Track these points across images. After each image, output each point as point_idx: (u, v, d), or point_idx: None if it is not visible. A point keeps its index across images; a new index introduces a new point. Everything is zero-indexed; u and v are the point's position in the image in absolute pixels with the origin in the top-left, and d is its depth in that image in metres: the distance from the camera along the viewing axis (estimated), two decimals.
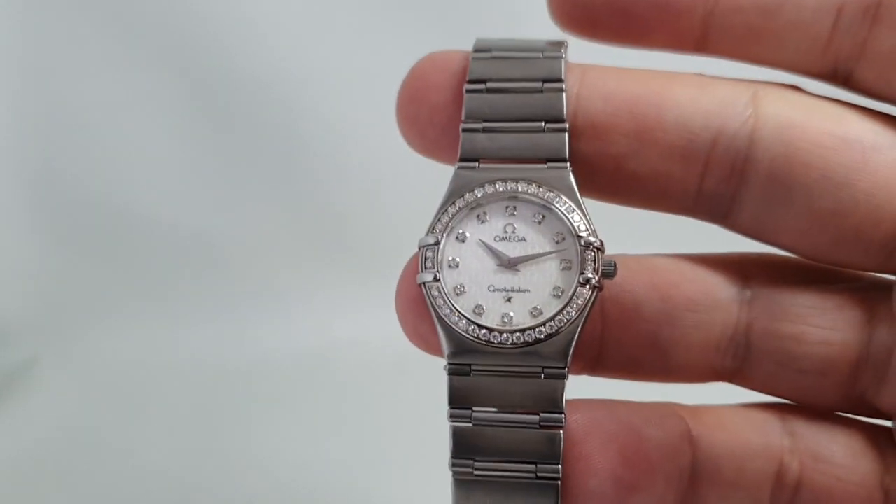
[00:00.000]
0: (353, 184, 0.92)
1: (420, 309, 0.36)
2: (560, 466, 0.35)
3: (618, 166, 0.35)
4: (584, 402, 0.36)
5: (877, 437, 0.37)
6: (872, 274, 0.38)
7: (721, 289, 0.37)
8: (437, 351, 0.36)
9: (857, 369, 0.36)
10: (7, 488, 0.73)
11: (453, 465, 0.35)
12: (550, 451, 0.35)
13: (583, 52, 0.37)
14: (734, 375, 0.38)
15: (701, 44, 0.35)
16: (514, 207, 0.36)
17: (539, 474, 0.34)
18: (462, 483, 0.35)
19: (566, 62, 0.36)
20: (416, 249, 0.36)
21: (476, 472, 0.34)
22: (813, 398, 0.38)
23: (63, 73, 0.89)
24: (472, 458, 0.35)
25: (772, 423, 0.37)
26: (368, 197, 0.93)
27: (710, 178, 0.35)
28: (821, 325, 0.36)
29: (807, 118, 0.35)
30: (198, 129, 0.90)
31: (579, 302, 0.34)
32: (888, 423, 0.37)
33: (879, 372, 0.36)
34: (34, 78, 0.89)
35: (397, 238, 0.38)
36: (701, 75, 0.36)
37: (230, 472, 0.74)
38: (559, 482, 0.35)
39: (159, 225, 0.90)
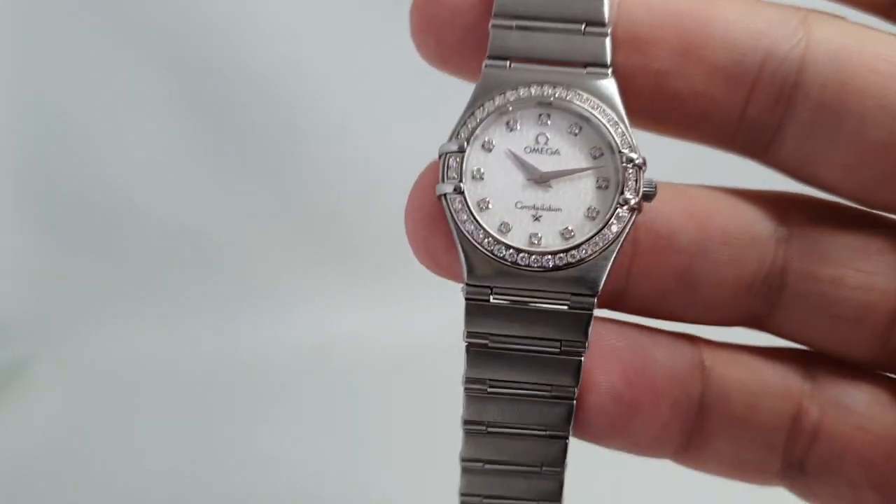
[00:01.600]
0: (352, 180, 0.91)
1: (434, 222, 0.33)
2: (577, 391, 0.33)
3: (658, 84, 0.33)
4: (594, 319, 0.34)
5: None
6: None
7: (758, 224, 0.35)
8: (447, 272, 0.34)
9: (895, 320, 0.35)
10: (3, 486, 0.72)
11: (467, 381, 0.34)
12: (569, 377, 0.33)
13: None
14: (764, 320, 0.36)
15: None
16: (549, 116, 0.33)
17: (554, 393, 0.33)
18: (474, 399, 0.34)
19: None
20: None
21: (489, 391, 0.33)
22: (846, 348, 0.36)
23: (58, 69, 0.88)
24: (485, 381, 0.33)
25: (794, 367, 0.36)
26: (367, 194, 0.91)
27: (755, 103, 0.33)
28: (862, 268, 0.34)
29: (861, 44, 0.33)
30: (195, 126, 0.89)
31: (616, 225, 0.32)
32: None
33: None
34: (29, 74, 0.88)
35: (396, 235, 0.36)
36: None
37: (228, 470, 0.74)
38: (573, 404, 0.33)
39: (157, 222, 0.89)
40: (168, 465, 0.74)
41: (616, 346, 0.34)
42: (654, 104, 0.34)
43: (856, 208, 0.36)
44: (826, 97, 0.33)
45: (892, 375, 0.36)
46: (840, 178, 0.34)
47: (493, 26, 0.33)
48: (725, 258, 0.34)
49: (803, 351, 0.37)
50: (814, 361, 0.36)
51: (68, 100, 0.88)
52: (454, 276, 0.34)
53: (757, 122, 0.34)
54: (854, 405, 0.35)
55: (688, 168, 0.41)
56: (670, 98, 0.33)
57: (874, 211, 0.36)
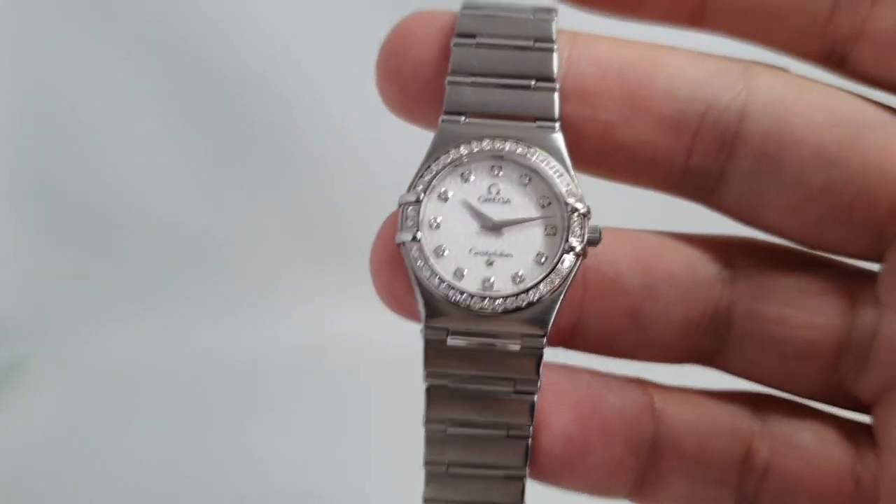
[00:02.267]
0: (351, 180, 0.90)
1: (395, 266, 0.35)
2: (532, 429, 0.35)
3: (605, 134, 0.35)
4: (544, 365, 0.35)
5: (850, 428, 0.37)
6: (857, 262, 0.37)
7: (704, 266, 0.36)
8: (408, 312, 0.35)
9: (839, 355, 0.36)
10: (1, 486, 0.72)
11: (427, 422, 0.35)
12: (524, 416, 0.34)
13: (571, 22, 0.36)
14: (713, 357, 0.37)
15: (697, 16, 0.35)
16: (500, 168, 0.35)
17: (511, 433, 0.34)
18: (435, 440, 0.35)
19: (557, 26, 0.35)
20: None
21: (448, 432, 0.35)
22: (793, 384, 0.37)
23: (56, 68, 0.87)
24: (445, 422, 0.35)
25: (743, 407, 0.37)
26: (367, 194, 0.90)
27: (698, 151, 0.35)
28: (804, 307, 0.36)
29: (799, 94, 0.34)
30: (193, 125, 0.88)
31: (563, 270, 0.34)
32: (864, 418, 0.37)
33: (860, 358, 0.35)
34: (24, 73, 0.88)
35: None
36: (692, 49, 0.36)
37: (226, 470, 0.73)
38: (530, 440, 0.35)
39: (154, 222, 0.88)
40: (166, 464, 0.73)
41: (568, 390, 0.35)
42: (602, 152, 0.35)
43: (799, 250, 0.37)
44: (766, 146, 0.34)
45: (836, 411, 0.37)
46: (783, 221, 0.35)
47: (450, 83, 0.35)
48: (672, 299, 0.36)
49: (752, 393, 0.38)
50: (763, 402, 0.37)
51: (66, 99, 0.88)
52: (415, 317, 0.35)
53: (701, 169, 0.35)
54: (802, 442, 0.36)
55: (637, 212, 0.44)
56: (617, 147, 0.35)
57: (816, 252, 0.37)
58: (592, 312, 0.36)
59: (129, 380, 0.82)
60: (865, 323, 0.35)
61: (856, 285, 0.36)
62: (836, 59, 0.35)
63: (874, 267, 0.36)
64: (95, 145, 0.88)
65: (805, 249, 0.37)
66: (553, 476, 0.36)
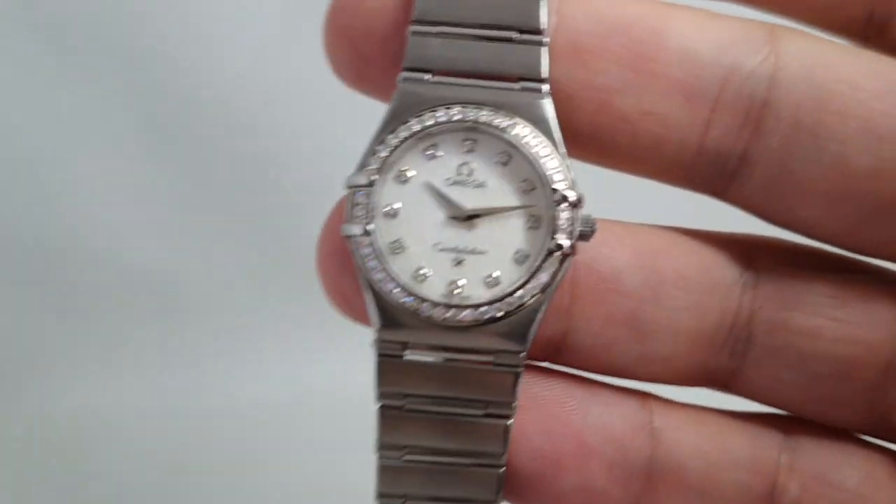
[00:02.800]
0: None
1: (346, 261, 0.29)
2: (505, 459, 0.29)
3: (603, 104, 0.29)
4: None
5: None
6: None
7: (721, 267, 0.31)
8: (362, 317, 0.30)
9: (886, 378, 0.30)
10: None
11: (380, 453, 0.30)
12: (495, 446, 0.29)
13: None
14: (730, 379, 0.32)
15: None
16: (474, 142, 0.29)
17: (479, 462, 0.30)
18: (388, 469, 0.30)
19: None
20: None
21: (405, 459, 0.30)
22: (829, 411, 0.31)
23: (2, 95, 0.80)
24: (402, 449, 0.30)
25: (769, 433, 0.32)
26: None
27: (717, 125, 0.29)
28: (843, 318, 0.30)
29: (840, 58, 0.29)
30: (152, 156, 0.81)
31: (547, 273, 0.28)
32: None
33: None
34: None
35: None
36: (709, 9, 0.30)
37: None
38: (501, 472, 0.30)
39: (112, 263, 0.80)
40: None
41: (538, 396, 0.30)
42: (599, 128, 0.29)
43: (830, 252, 0.32)
44: (801, 118, 0.28)
45: (887, 444, 0.32)
46: (818, 215, 0.30)
47: (413, 32, 0.29)
48: (682, 305, 0.30)
49: (780, 415, 0.32)
50: (793, 426, 0.32)
51: (14, 129, 0.80)
52: (368, 322, 0.30)
53: (720, 149, 0.29)
54: (843, 482, 0.31)
55: (640, 206, 0.38)
56: (617, 120, 0.29)
57: (854, 256, 0.32)
58: (584, 320, 0.30)
59: (87, 435, 0.77)
60: None
61: None
62: (874, 28, 0.30)
63: None
64: (45, 180, 0.81)
65: (841, 252, 0.32)
66: (519, 498, 0.31)
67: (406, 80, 0.29)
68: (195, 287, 0.82)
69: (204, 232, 0.82)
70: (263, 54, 0.80)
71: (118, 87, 0.80)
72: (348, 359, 0.76)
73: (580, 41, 0.29)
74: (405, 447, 0.30)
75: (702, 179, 0.30)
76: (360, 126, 0.31)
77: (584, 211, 0.29)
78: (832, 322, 0.30)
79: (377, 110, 0.30)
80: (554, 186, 0.28)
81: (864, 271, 0.32)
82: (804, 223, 0.31)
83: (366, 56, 0.29)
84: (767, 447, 0.31)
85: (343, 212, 0.29)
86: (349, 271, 0.29)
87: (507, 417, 0.29)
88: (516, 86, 0.29)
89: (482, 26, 0.29)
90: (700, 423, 0.31)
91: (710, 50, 0.29)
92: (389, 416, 0.29)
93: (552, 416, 0.30)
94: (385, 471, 0.30)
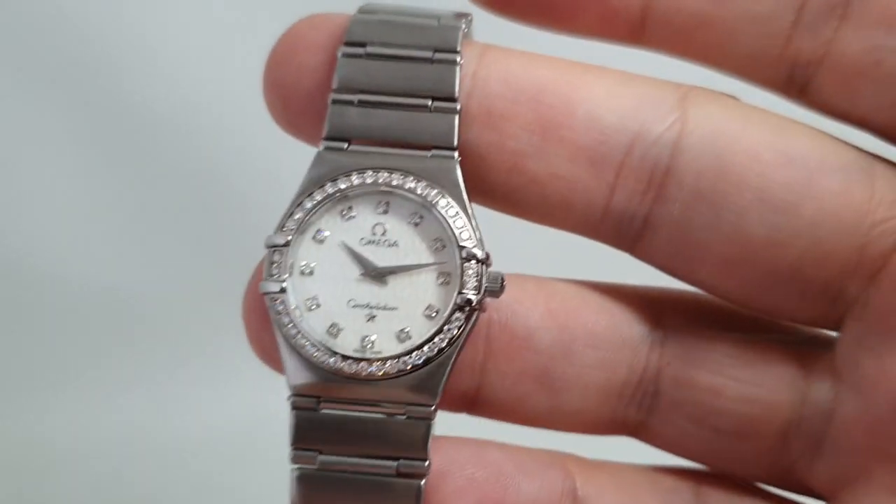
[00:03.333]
0: None
1: (265, 316, 0.30)
2: None
3: (514, 166, 0.30)
4: (450, 440, 0.31)
5: None
6: (809, 329, 0.33)
7: (630, 325, 0.32)
8: (283, 369, 0.30)
9: (787, 436, 0.31)
10: None
11: None
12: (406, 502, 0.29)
13: (492, 36, 0.32)
14: (638, 429, 0.33)
15: (637, 31, 0.30)
16: (387, 204, 0.30)
17: None
18: None
19: (466, 35, 0.31)
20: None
21: None
22: (730, 464, 0.33)
23: None
24: None
25: (681, 491, 0.32)
26: None
27: (622, 190, 0.30)
28: (743, 378, 0.31)
29: (744, 127, 0.30)
30: (104, 168, 0.77)
31: (455, 326, 0.29)
32: None
33: (814, 441, 0.31)
34: None
35: None
36: (623, 71, 0.31)
37: None
38: None
39: (64, 283, 0.77)
40: None
41: (474, 478, 0.30)
42: (511, 187, 0.30)
43: (737, 310, 0.32)
44: (701, 187, 0.29)
45: (790, 497, 0.33)
46: (719, 278, 0.31)
47: (333, 101, 0.30)
48: (591, 361, 0.31)
49: (691, 471, 0.33)
50: (705, 480, 0.33)
51: None
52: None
53: (626, 211, 0.30)
54: None
55: (555, 252, 0.41)
56: (527, 181, 0.30)
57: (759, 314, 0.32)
58: (497, 375, 0.31)
59: (37, 462, 0.74)
60: (820, 399, 0.31)
61: (808, 354, 0.31)
62: (795, 86, 0.30)
63: (830, 333, 0.31)
64: None
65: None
66: None
67: (326, 148, 0.30)
68: (148, 307, 0.79)
69: (158, 250, 0.79)
70: (220, 66, 0.77)
71: (64, 98, 0.77)
72: None
73: (492, 105, 0.30)
74: None
75: (609, 237, 0.32)
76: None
77: (495, 268, 0.30)
78: (733, 381, 0.31)
79: None
80: (462, 244, 0.29)
81: (768, 330, 0.32)
82: (704, 284, 0.32)
83: (295, 110, 0.31)
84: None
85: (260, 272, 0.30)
86: (268, 327, 0.30)
87: (420, 477, 0.29)
88: (428, 153, 0.30)
89: (400, 94, 0.30)
90: (618, 486, 0.32)
91: (617, 116, 0.30)
92: (304, 480, 0.30)
93: (487, 498, 0.30)
94: None
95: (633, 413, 0.32)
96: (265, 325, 0.30)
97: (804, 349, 0.32)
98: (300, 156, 0.32)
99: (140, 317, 0.78)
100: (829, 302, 0.30)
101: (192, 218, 0.79)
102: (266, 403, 0.75)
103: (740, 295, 0.31)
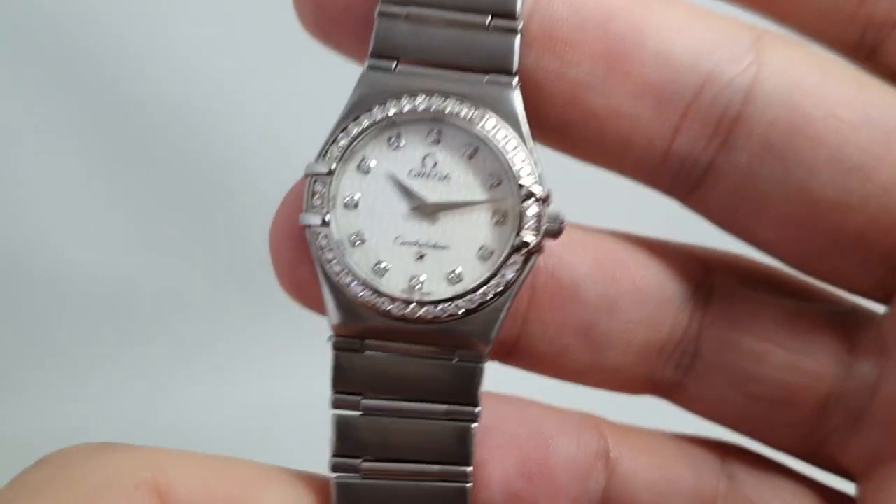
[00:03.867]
0: None
1: (302, 248, 0.29)
2: (470, 469, 0.29)
3: (574, 96, 0.29)
4: (492, 395, 0.30)
5: (831, 500, 0.32)
6: (853, 301, 0.32)
7: (677, 283, 0.32)
8: (318, 306, 0.29)
9: (826, 408, 0.31)
10: None
11: (334, 465, 0.29)
12: (459, 449, 0.29)
13: None
14: (672, 390, 0.33)
15: None
16: (439, 133, 0.29)
17: (443, 478, 0.29)
18: (345, 487, 0.29)
19: None
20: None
21: (364, 474, 0.29)
22: (763, 433, 0.33)
23: None
24: (358, 458, 0.29)
25: (708, 461, 0.33)
26: None
27: (686, 133, 0.29)
28: (789, 346, 0.31)
29: (821, 80, 0.29)
30: (103, 162, 0.80)
31: (511, 270, 0.29)
32: (846, 486, 0.32)
33: (852, 417, 0.31)
34: None
35: None
36: (695, 4, 0.30)
37: None
38: (468, 486, 0.29)
39: (64, 277, 0.80)
40: None
41: (517, 435, 0.30)
42: (567, 120, 0.29)
43: (786, 274, 0.32)
44: (772, 138, 0.29)
45: (816, 480, 0.33)
46: (776, 237, 0.31)
47: (380, 13, 0.28)
48: (636, 318, 0.31)
49: (719, 442, 0.33)
50: (730, 454, 0.33)
51: None
52: (324, 312, 0.29)
53: (686, 157, 0.30)
54: None
55: (604, 198, 0.41)
56: (586, 115, 0.29)
57: (810, 280, 0.32)
58: (539, 325, 0.31)
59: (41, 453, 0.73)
60: (864, 374, 0.31)
61: (856, 326, 0.31)
62: (865, 48, 0.30)
63: (878, 308, 0.31)
64: None
65: (797, 275, 0.32)
66: None
67: (372, 67, 0.28)
68: (152, 300, 0.79)
69: (159, 241, 0.78)
70: (225, 61, 0.77)
71: (66, 94, 0.76)
72: (313, 371, 0.73)
73: (556, 29, 0.29)
74: (362, 460, 0.29)
75: (665, 182, 0.31)
76: (319, 130, 0.30)
77: (553, 208, 0.28)
78: (780, 349, 0.31)
79: (335, 113, 0.29)
80: (521, 182, 0.28)
81: (818, 298, 0.32)
82: (762, 242, 0.31)
83: (331, 15, 0.29)
84: (708, 476, 0.32)
85: (300, 199, 0.29)
86: (305, 259, 0.29)
87: (471, 420, 0.29)
88: (484, 78, 0.29)
89: (455, 8, 0.28)
90: (649, 451, 0.32)
91: (690, 54, 0.29)
92: (344, 424, 0.29)
93: (530, 457, 0.30)
94: (341, 490, 0.29)
95: (670, 373, 0.32)
96: (301, 258, 0.29)
97: (851, 320, 0.32)
98: (305, 150, 0.31)
99: (142, 311, 0.78)
100: (887, 271, 0.30)
101: (192, 210, 0.79)
102: (269, 391, 0.76)
103: (797, 256, 0.31)
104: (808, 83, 0.29)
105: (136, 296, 0.79)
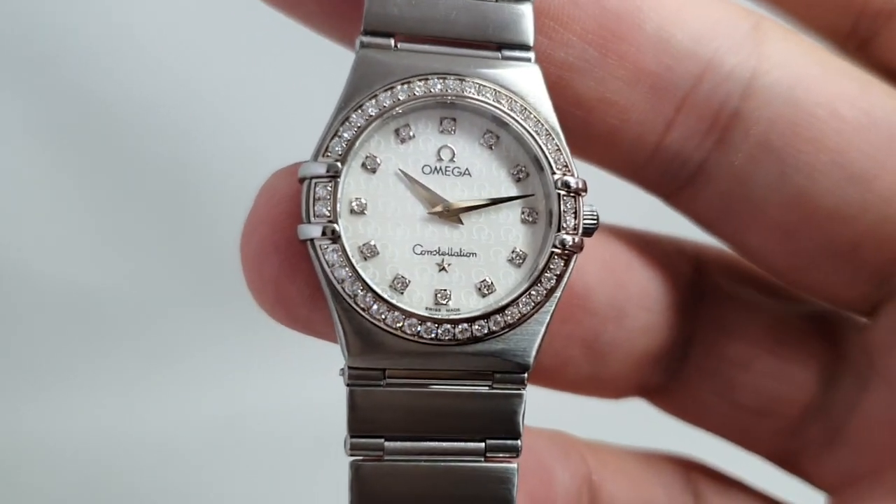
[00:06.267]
0: None
1: (288, 260, 0.23)
2: None
3: (558, 82, 0.25)
4: None
5: None
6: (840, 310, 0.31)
7: (678, 286, 0.29)
8: (310, 329, 0.24)
9: (806, 419, 0.30)
10: None
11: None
12: (500, 496, 0.24)
13: None
14: (655, 392, 0.31)
15: None
16: (454, 121, 0.24)
17: None
18: None
19: None
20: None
21: None
22: (742, 438, 0.31)
23: None
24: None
25: (676, 479, 0.31)
26: None
27: (680, 127, 0.26)
28: (777, 350, 0.29)
29: (823, 76, 0.26)
30: (71, 163, 0.73)
31: (552, 276, 0.24)
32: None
33: (830, 433, 0.29)
34: None
35: None
36: None
37: None
38: None
39: (35, 284, 0.74)
40: None
41: (526, 463, 0.26)
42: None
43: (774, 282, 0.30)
44: (771, 139, 0.26)
45: (776, 499, 0.32)
46: (767, 244, 0.28)
47: None
48: (641, 324, 0.28)
49: (681, 459, 0.32)
50: (693, 470, 0.32)
51: None
52: (319, 334, 0.24)
53: (677, 153, 0.27)
54: None
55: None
56: (570, 103, 0.25)
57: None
58: (546, 338, 0.26)
59: (12, 460, 0.71)
60: (845, 389, 0.29)
61: (842, 333, 0.30)
62: (857, 39, 0.28)
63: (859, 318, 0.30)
64: None
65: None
66: None
67: (367, 45, 0.23)
68: (121, 304, 0.77)
69: (129, 244, 0.76)
70: (199, 64, 0.75)
71: (36, 96, 0.74)
72: (288, 375, 0.73)
73: (550, 5, 0.24)
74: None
75: (652, 179, 0.28)
76: (294, 129, 0.27)
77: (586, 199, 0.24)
78: (767, 353, 0.29)
79: (313, 112, 0.26)
80: (554, 170, 0.24)
81: (805, 298, 0.31)
82: (748, 248, 0.29)
83: None
84: (678, 495, 0.30)
85: (268, 199, 0.23)
86: (293, 276, 0.23)
87: (513, 456, 0.24)
88: (498, 54, 0.24)
89: None
90: (625, 472, 0.30)
91: (690, 38, 0.26)
92: (365, 470, 0.23)
93: (536, 493, 0.27)
94: None
95: (657, 378, 0.30)
96: (290, 272, 0.23)
97: (838, 330, 0.30)
98: (283, 152, 0.28)
99: (115, 319, 0.76)
100: (875, 285, 0.28)
101: (161, 213, 0.76)
102: (241, 396, 0.76)
103: (785, 266, 0.28)
104: (810, 78, 0.26)
105: (108, 303, 0.77)
